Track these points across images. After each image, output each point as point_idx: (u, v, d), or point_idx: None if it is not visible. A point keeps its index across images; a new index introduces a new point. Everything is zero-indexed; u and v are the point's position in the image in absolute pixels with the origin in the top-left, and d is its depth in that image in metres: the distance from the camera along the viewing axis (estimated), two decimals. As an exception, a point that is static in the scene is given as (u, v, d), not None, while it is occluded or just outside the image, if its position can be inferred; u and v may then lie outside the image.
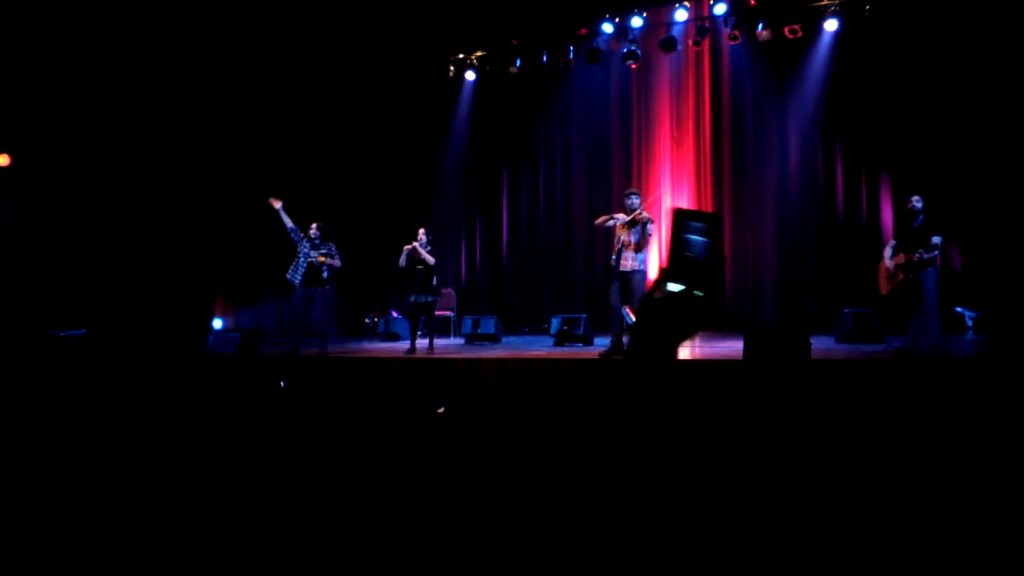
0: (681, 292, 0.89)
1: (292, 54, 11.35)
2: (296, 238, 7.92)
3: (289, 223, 7.92)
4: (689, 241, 0.85)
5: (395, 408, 5.55)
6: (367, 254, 13.16)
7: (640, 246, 6.82)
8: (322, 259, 7.82)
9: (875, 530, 2.58)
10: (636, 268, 6.80)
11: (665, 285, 0.91)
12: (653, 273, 12.10)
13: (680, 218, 0.82)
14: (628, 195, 7.05)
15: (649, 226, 6.92)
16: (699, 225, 0.83)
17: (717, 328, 10.62)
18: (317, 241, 7.92)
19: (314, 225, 7.99)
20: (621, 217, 7.01)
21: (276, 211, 7.89)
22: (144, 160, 9.89)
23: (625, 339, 7.06)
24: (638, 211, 6.89)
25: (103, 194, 9.71)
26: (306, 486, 3.34)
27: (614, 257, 7.03)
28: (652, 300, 0.87)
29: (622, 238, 6.94)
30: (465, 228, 13.33)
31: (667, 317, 0.86)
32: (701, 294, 0.87)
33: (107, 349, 8.34)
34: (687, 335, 0.88)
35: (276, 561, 2.44)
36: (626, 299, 6.89)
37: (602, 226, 7.21)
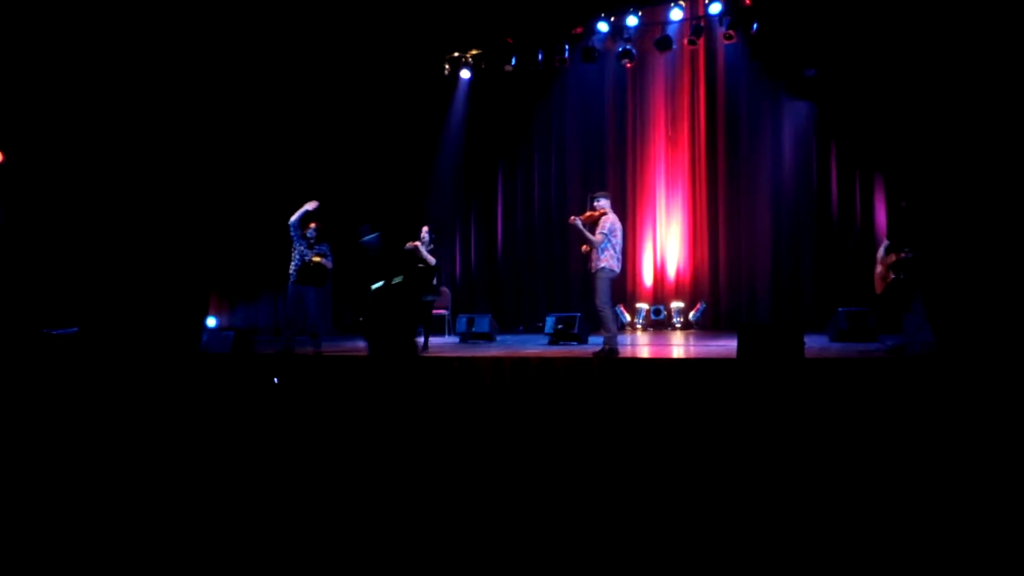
0: (386, 287, 1.02)
1: (288, 52, 11.31)
2: (294, 234, 7.94)
3: (294, 219, 7.94)
4: (365, 245, 0.96)
5: (390, 406, 5.54)
6: (362, 252, 13.13)
7: (593, 246, 6.88)
8: (316, 259, 7.85)
9: (868, 526, 2.58)
10: (597, 268, 6.86)
11: (373, 288, 1.05)
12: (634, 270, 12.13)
13: (353, 231, 0.94)
14: (593, 197, 7.17)
15: (581, 226, 6.91)
16: (364, 227, 0.95)
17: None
18: (313, 241, 7.94)
19: (312, 225, 8.00)
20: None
21: (303, 204, 7.92)
22: (137, 158, 9.85)
23: (620, 337, 7.08)
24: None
25: (96, 192, 9.67)
26: (300, 483, 3.33)
27: None
28: (373, 307, 1.00)
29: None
30: (460, 226, 13.33)
31: (390, 312, 0.98)
32: (400, 278, 0.99)
33: (100, 347, 8.31)
34: (418, 316, 0.99)
35: (271, 558, 2.43)
36: (591, 298, 6.99)
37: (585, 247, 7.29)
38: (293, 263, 7.91)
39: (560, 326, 9.05)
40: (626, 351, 7.37)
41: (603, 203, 7.03)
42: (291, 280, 7.89)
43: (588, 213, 6.98)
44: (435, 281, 8.25)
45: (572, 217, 7.03)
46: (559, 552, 2.44)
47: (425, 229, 8.35)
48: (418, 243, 8.18)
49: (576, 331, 8.95)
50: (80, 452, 4.14)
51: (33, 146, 9.38)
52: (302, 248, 7.90)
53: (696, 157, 11.86)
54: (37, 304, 9.00)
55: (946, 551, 2.40)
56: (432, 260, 8.15)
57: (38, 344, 8.10)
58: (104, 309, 9.18)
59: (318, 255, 7.89)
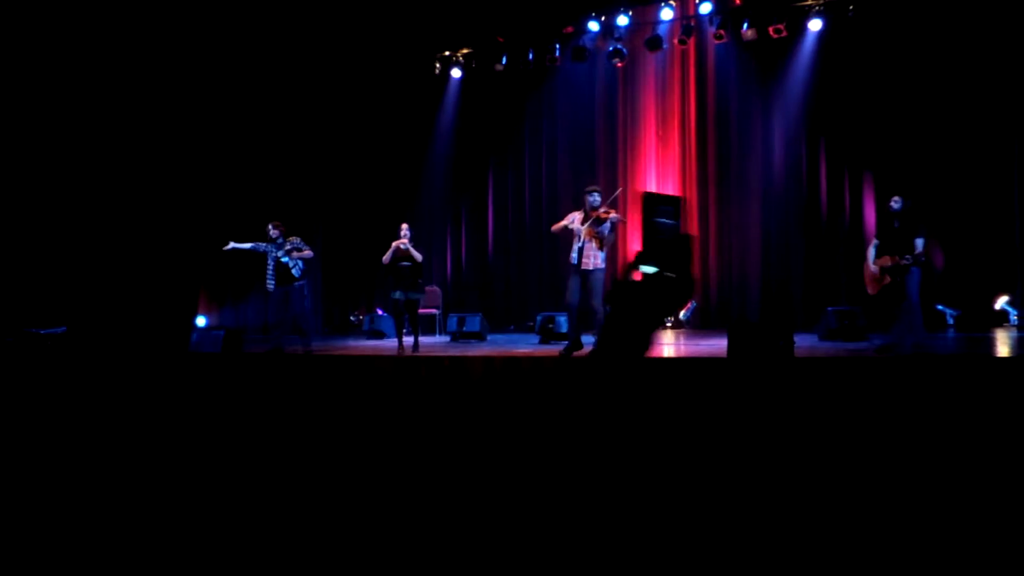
0: (655, 274, 1.01)
1: (278, 51, 11.27)
2: (262, 249, 7.95)
3: (249, 245, 7.98)
4: (659, 225, 0.92)
5: (381, 406, 5.54)
6: (353, 251, 13.10)
7: (604, 244, 6.84)
8: (289, 251, 7.83)
9: (858, 524, 2.60)
10: (598, 266, 6.82)
11: (639, 267, 1.02)
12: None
13: (650, 203, 0.88)
14: (589, 192, 7.09)
15: (616, 225, 6.91)
16: (667, 208, 0.89)
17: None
18: (280, 240, 7.92)
19: (270, 226, 7.98)
20: (576, 216, 7.08)
21: (231, 249, 7.99)
22: (126, 155, 9.78)
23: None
24: (604, 209, 6.94)
25: (84, 189, 9.59)
26: (293, 483, 3.32)
27: (574, 255, 6.97)
28: (627, 284, 0.96)
29: (585, 236, 6.93)
30: (451, 225, 13.32)
31: (643, 299, 0.95)
32: (674, 275, 0.98)
33: (88, 347, 8.25)
34: (663, 316, 0.96)
35: (265, 558, 2.42)
36: (586, 297, 6.91)
37: (561, 231, 7.20)
38: (269, 267, 7.90)
39: (550, 325, 9.06)
40: (617, 350, 7.36)
41: (599, 199, 7.01)
42: (271, 287, 7.90)
43: (603, 210, 6.94)
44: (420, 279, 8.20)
45: (604, 213, 6.94)
46: (552, 551, 2.44)
47: (404, 226, 8.29)
48: (406, 242, 8.14)
49: (566, 330, 8.96)
50: (68, 452, 4.11)
51: (19, 142, 9.30)
52: (274, 253, 7.90)
53: (686, 156, 11.89)
54: (23, 302, 8.92)
55: (936, 549, 2.42)
56: (419, 257, 8.10)
57: (24, 343, 8.03)
58: (93, 308, 9.11)
59: (290, 250, 7.84)
